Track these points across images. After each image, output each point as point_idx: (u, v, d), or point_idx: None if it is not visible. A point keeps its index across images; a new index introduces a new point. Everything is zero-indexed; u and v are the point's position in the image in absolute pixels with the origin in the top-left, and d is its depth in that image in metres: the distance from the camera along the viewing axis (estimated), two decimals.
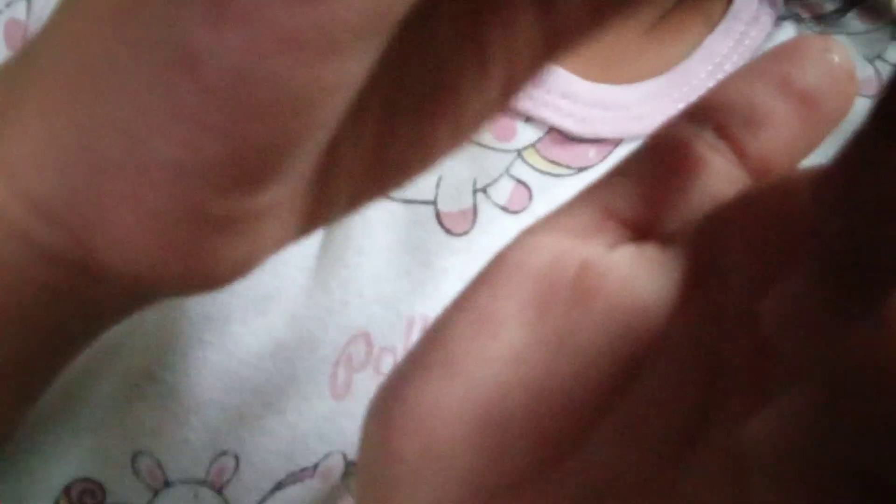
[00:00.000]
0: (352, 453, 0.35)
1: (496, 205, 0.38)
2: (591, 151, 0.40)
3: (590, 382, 0.20)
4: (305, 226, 0.20)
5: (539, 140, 0.39)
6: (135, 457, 0.34)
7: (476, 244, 0.37)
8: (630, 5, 0.21)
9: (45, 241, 0.18)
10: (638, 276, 0.20)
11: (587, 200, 0.21)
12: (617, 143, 0.40)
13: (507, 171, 0.39)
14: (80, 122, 0.17)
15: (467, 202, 0.38)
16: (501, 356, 0.20)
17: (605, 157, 0.40)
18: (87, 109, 0.17)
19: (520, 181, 0.39)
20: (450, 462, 0.20)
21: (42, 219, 0.17)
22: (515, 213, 0.39)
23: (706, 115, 0.21)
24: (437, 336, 0.21)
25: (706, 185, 0.21)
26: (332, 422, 0.35)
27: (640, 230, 0.21)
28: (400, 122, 0.20)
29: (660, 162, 0.21)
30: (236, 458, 0.34)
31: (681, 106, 0.45)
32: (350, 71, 0.16)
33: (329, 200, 0.20)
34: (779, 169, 0.21)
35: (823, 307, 0.16)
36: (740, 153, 0.21)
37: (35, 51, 0.18)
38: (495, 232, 0.38)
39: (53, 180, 0.17)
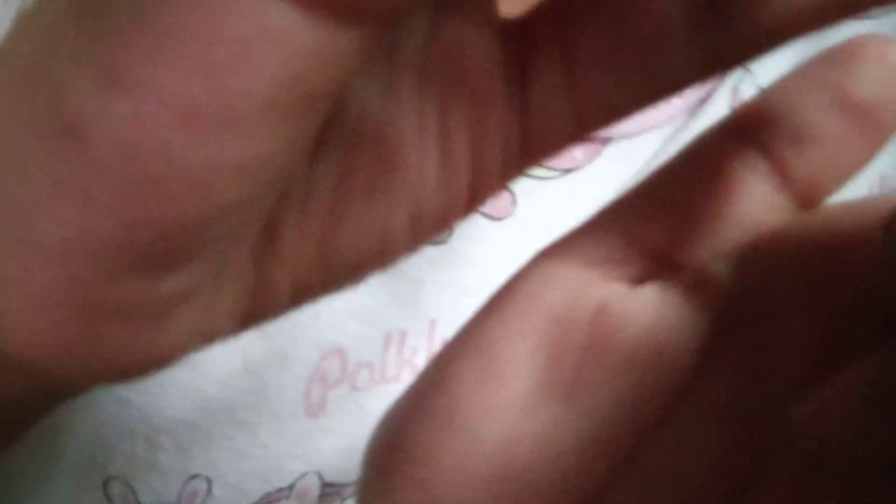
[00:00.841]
0: (328, 473, 0.34)
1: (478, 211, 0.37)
2: (578, 152, 0.39)
3: (603, 439, 0.18)
4: (244, 318, 0.19)
5: None
6: (106, 482, 0.34)
7: (456, 253, 0.36)
8: (617, 116, 0.19)
9: None
10: (661, 325, 0.18)
11: (609, 224, 0.20)
12: (605, 141, 0.39)
13: None
14: None
15: None
16: (509, 406, 0.19)
17: (592, 158, 0.39)
18: None
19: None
20: None
21: None
22: (499, 220, 0.37)
23: (749, 130, 0.19)
24: (441, 379, 0.19)
25: (744, 212, 0.19)
26: (307, 440, 0.34)
27: (668, 260, 0.19)
28: (351, 207, 0.18)
29: (692, 183, 0.19)
30: (208, 481, 0.34)
31: (676, 100, 0.44)
32: (261, 148, 0.15)
33: (270, 291, 0.19)
34: (828, 190, 0.19)
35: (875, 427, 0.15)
36: (785, 176, 0.19)
37: None
38: (478, 240, 0.37)
39: None
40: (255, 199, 0.16)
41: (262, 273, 0.18)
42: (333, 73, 0.15)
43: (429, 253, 0.36)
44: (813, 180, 0.19)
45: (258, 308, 0.19)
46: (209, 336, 0.18)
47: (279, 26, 0.14)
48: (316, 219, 0.18)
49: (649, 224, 0.19)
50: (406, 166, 0.18)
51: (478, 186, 0.19)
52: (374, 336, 0.35)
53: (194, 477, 0.34)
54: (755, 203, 0.19)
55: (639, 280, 0.19)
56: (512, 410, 0.19)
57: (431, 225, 0.19)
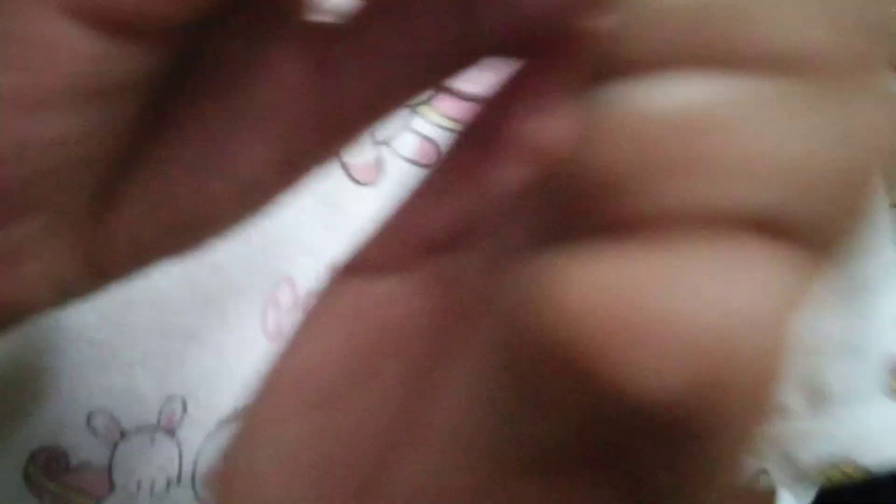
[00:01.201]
0: None
1: (403, 157, 0.41)
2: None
3: (385, 415, 0.20)
4: (95, 272, 0.21)
5: (432, 97, 0.42)
6: (90, 417, 0.36)
7: (388, 196, 0.40)
8: (417, 89, 0.21)
9: None
10: (413, 300, 0.21)
11: (387, 225, 0.22)
12: None
13: (408, 125, 0.42)
14: None
15: (370, 154, 0.41)
16: (311, 406, 0.20)
17: None
18: None
19: (424, 136, 0.42)
20: None
21: None
22: (426, 166, 0.41)
23: (495, 113, 0.21)
24: (261, 397, 0.21)
25: (504, 187, 0.20)
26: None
27: (441, 244, 0.21)
28: (177, 175, 0.21)
29: (457, 171, 0.21)
30: (183, 401, 0.37)
31: None
32: (63, 128, 0.18)
33: (109, 252, 0.21)
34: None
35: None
36: (535, 144, 0.20)
37: None
38: (407, 184, 0.41)
39: None
40: (71, 169, 0.19)
41: (101, 231, 0.21)
42: (123, 75, 0.18)
43: (363, 192, 0.40)
44: (553, 143, 0.20)
45: (101, 268, 0.21)
46: (66, 287, 0.21)
47: (63, 35, 0.17)
48: (145, 186, 0.21)
49: (418, 214, 0.22)
50: (220, 145, 0.21)
51: (291, 161, 0.22)
52: (321, 269, 0.38)
53: (171, 398, 0.37)
54: (511, 175, 0.20)
55: (414, 267, 0.21)
56: (315, 409, 0.20)
57: (253, 196, 0.22)
